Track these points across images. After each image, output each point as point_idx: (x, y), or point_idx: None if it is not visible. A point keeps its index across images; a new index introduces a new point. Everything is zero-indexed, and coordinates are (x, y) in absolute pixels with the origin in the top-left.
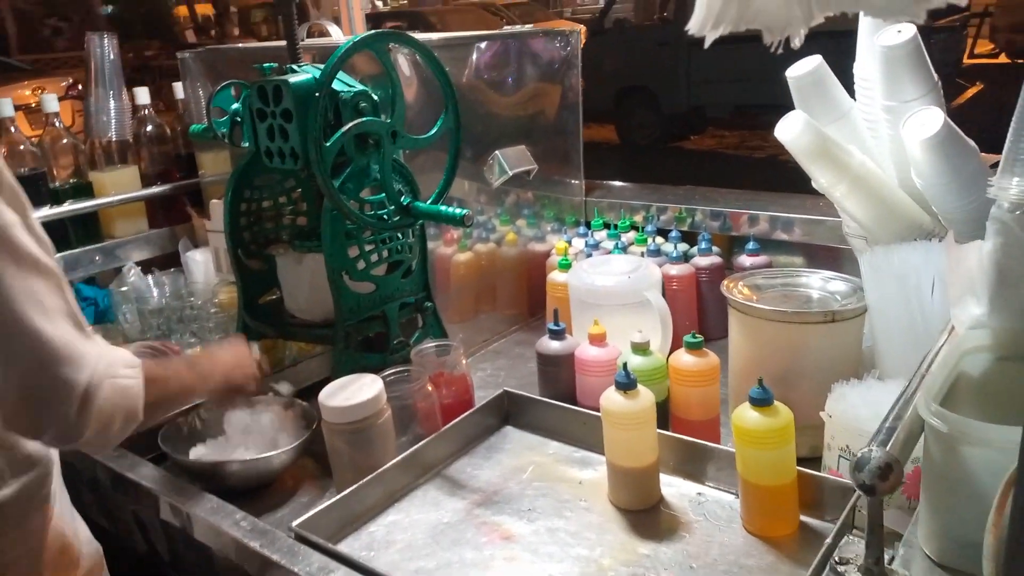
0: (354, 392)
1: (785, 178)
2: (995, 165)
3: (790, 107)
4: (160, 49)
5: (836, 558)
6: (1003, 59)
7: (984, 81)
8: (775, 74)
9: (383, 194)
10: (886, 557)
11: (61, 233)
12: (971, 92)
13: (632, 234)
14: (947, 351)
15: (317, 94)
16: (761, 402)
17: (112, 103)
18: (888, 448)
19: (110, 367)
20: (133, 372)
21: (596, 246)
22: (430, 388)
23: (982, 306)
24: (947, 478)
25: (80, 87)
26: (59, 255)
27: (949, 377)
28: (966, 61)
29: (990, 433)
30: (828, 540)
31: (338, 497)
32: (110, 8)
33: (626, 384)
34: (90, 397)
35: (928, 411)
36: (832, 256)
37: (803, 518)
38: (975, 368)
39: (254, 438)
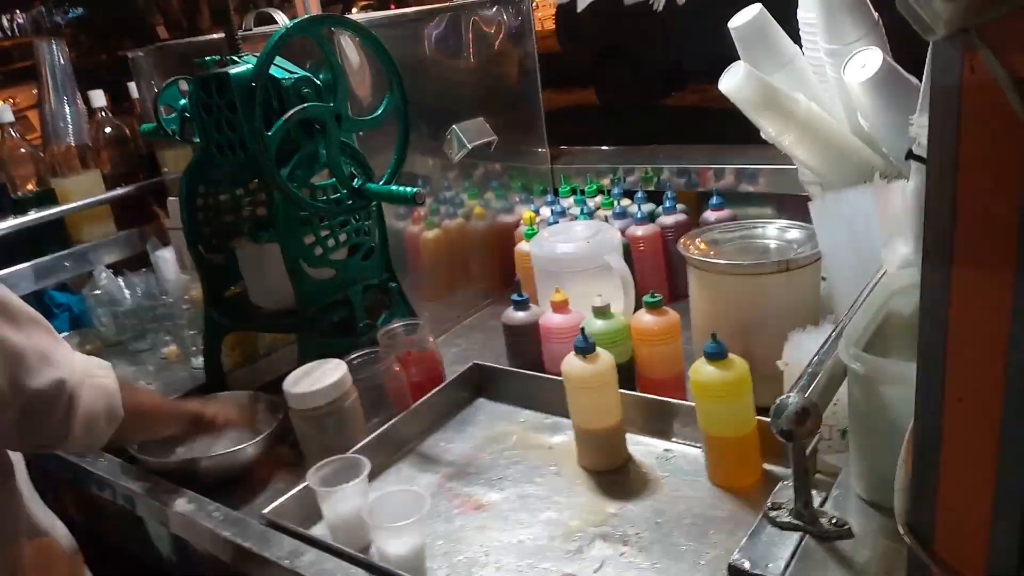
0: (318, 377)
1: None
2: None
3: None
4: (135, 47)
5: (770, 503)
6: None
7: None
8: None
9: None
10: (823, 498)
11: (29, 243)
12: None
13: (599, 198)
14: (875, 293)
15: (253, 84)
16: (715, 356)
17: (67, 108)
18: (807, 394)
19: (87, 367)
20: (107, 372)
21: (563, 213)
22: (398, 368)
23: (909, 245)
24: (869, 418)
25: None
26: (29, 264)
27: (876, 318)
28: None
29: (904, 371)
30: (776, 488)
31: (309, 482)
32: (80, 10)
33: (584, 348)
34: (74, 397)
35: (848, 355)
36: (800, 205)
37: (767, 466)
38: (905, 307)
39: (223, 435)
